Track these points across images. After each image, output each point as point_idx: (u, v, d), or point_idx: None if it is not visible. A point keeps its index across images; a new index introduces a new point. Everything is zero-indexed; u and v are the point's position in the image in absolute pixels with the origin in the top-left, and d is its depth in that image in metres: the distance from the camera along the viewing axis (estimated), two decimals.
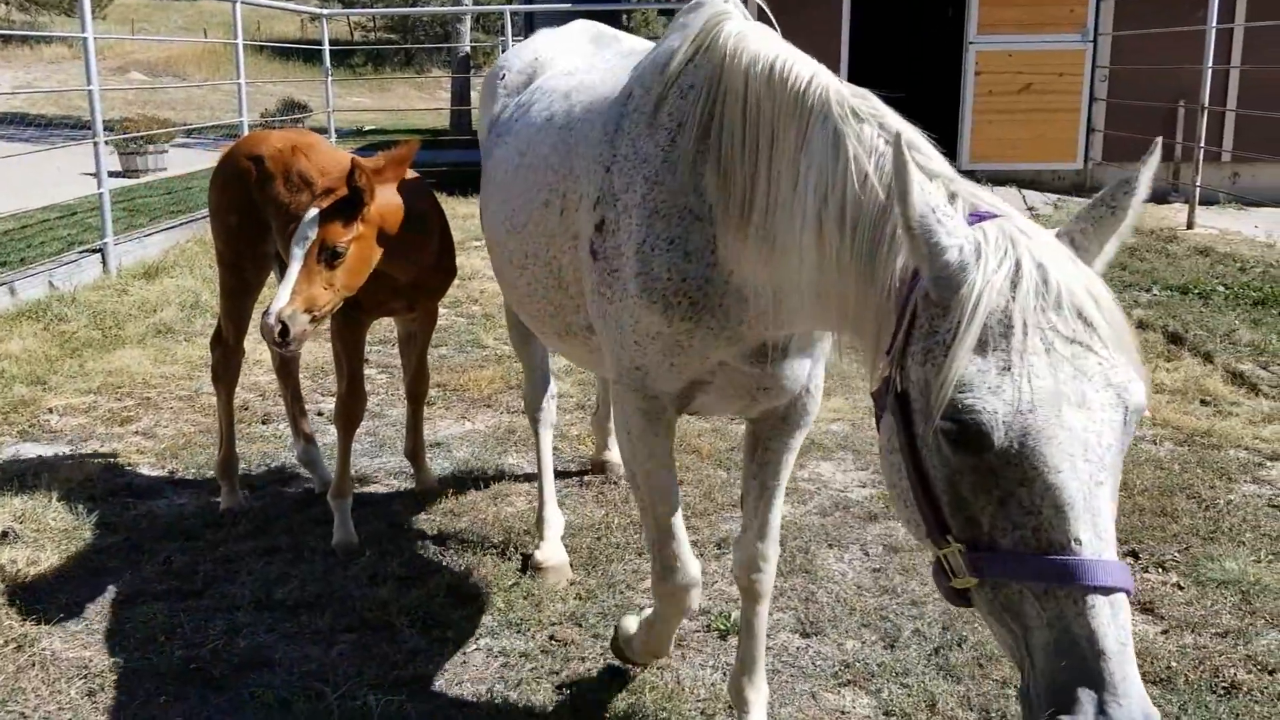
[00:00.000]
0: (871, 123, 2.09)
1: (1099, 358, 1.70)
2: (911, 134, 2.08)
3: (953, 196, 1.90)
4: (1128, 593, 1.65)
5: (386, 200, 3.67)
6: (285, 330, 3.42)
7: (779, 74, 2.27)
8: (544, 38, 3.86)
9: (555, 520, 4.12)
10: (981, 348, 1.68)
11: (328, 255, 3.49)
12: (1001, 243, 1.75)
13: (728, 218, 2.39)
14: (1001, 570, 1.70)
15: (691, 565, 2.90)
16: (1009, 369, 1.66)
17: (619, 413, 2.82)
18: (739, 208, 2.35)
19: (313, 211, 3.51)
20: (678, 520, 2.87)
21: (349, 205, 3.52)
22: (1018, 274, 1.71)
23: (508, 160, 3.28)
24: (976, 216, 1.84)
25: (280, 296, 3.44)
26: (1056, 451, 1.64)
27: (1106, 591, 1.62)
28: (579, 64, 3.45)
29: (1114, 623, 1.62)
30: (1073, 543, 1.63)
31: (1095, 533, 1.64)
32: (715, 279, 2.46)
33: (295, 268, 3.48)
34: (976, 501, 1.73)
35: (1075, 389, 1.66)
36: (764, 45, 2.37)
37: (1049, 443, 1.64)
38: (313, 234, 3.48)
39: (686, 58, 2.51)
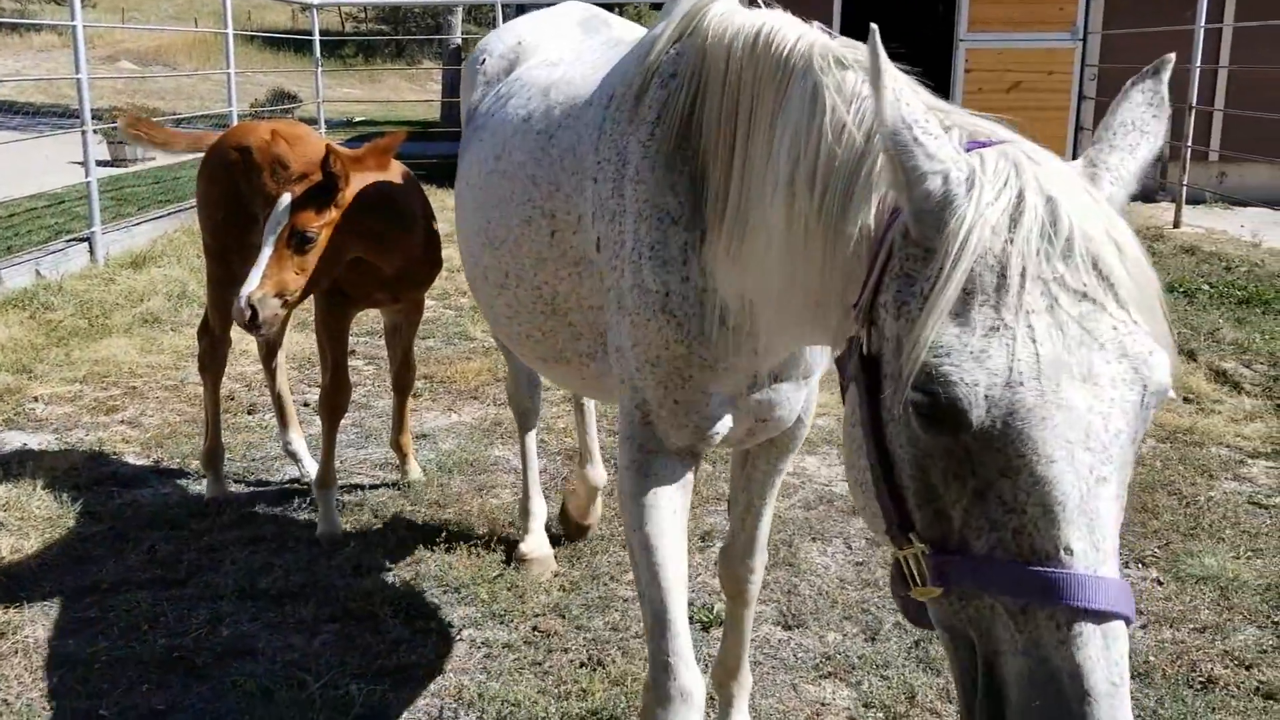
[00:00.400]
0: (856, 69, 1.82)
1: (1115, 321, 1.39)
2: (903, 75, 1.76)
3: (947, 128, 1.60)
4: (1127, 620, 1.35)
5: (367, 189, 3.69)
6: (255, 314, 3.46)
7: (763, 39, 2.01)
8: (530, 20, 3.59)
9: (540, 512, 4.13)
10: (966, 301, 1.39)
11: (298, 240, 3.53)
12: (1002, 169, 1.45)
13: (703, 217, 2.14)
14: (973, 579, 1.41)
15: (691, 675, 2.32)
16: (998, 329, 1.36)
17: (619, 469, 2.47)
18: (716, 203, 2.10)
19: (286, 197, 3.56)
20: (678, 610, 2.33)
21: (323, 191, 3.56)
22: (1019, 209, 1.41)
23: (482, 162, 2.96)
24: (977, 144, 1.55)
25: (250, 281, 3.49)
26: (1050, 436, 1.34)
27: (1099, 617, 1.32)
28: (565, 52, 3.16)
29: (1105, 657, 1.32)
30: (1062, 551, 1.34)
31: (1091, 541, 1.34)
32: (690, 295, 2.19)
33: (266, 252, 3.54)
34: (948, 492, 1.44)
35: (1081, 358, 1.36)
36: (752, 17, 2.10)
37: (1041, 425, 1.34)
38: (285, 219, 3.52)
39: (670, 41, 2.27)
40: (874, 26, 1.52)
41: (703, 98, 2.13)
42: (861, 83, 1.79)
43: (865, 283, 1.61)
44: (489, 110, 3.14)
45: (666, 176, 2.20)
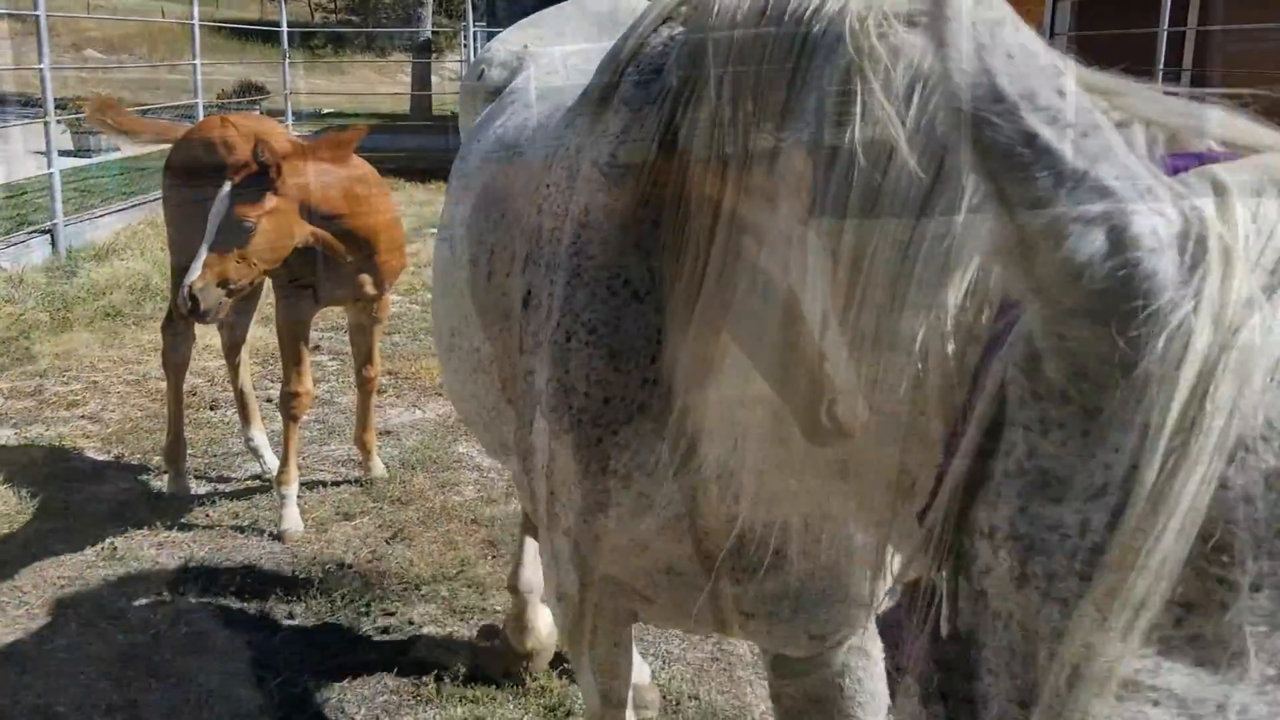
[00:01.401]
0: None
1: None
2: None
3: (1120, 123, 0.79)
4: None
5: (323, 181, 3.71)
6: (196, 304, 3.49)
7: (776, 4, 1.24)
8: (538, 19, 2.86)
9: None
10: (1215, 564, 0.63)
11: (237, 230, 3.55)
12: (1274, 215, 0.67)
13: (678, 291, 1.40)
14: None
15: None
16: None
17: (547, 596, 1.98)
18: (694, 269, 1.35)
19: (226, 186, 3.58)
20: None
21: (259, 181, 3.57)
22: None
23: (451, 196, 2.42)
24: (1186, 159, 0.76)
25: (192, 270, 3.54)
26: None
27: None
28: (572, 55, 2.46)
29: None
30: None
31: None
32: (650, 406, 1.48)
33: (207, 243, 3.56)
34: None
35: None
36: None
37: None
38: (224, 209, 3.54)
39: (660, 18, 1.55)
40: None
41: (695, 105, 1.39)
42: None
43: (941, 474, 0.81)
44: (474, 136, 2.48)
45: (630, 224, 1.48)
